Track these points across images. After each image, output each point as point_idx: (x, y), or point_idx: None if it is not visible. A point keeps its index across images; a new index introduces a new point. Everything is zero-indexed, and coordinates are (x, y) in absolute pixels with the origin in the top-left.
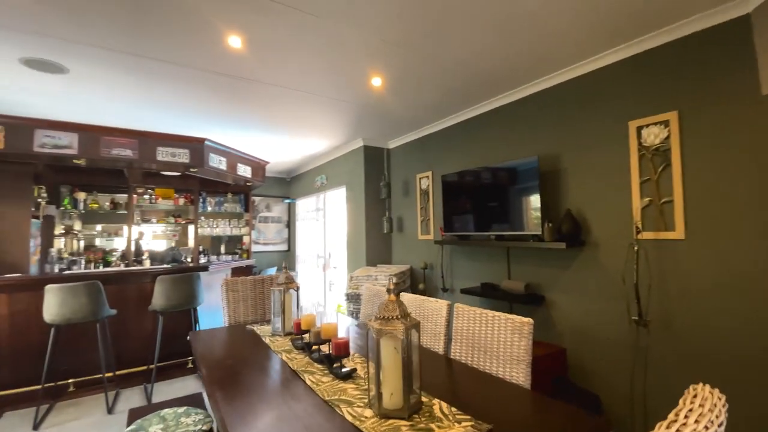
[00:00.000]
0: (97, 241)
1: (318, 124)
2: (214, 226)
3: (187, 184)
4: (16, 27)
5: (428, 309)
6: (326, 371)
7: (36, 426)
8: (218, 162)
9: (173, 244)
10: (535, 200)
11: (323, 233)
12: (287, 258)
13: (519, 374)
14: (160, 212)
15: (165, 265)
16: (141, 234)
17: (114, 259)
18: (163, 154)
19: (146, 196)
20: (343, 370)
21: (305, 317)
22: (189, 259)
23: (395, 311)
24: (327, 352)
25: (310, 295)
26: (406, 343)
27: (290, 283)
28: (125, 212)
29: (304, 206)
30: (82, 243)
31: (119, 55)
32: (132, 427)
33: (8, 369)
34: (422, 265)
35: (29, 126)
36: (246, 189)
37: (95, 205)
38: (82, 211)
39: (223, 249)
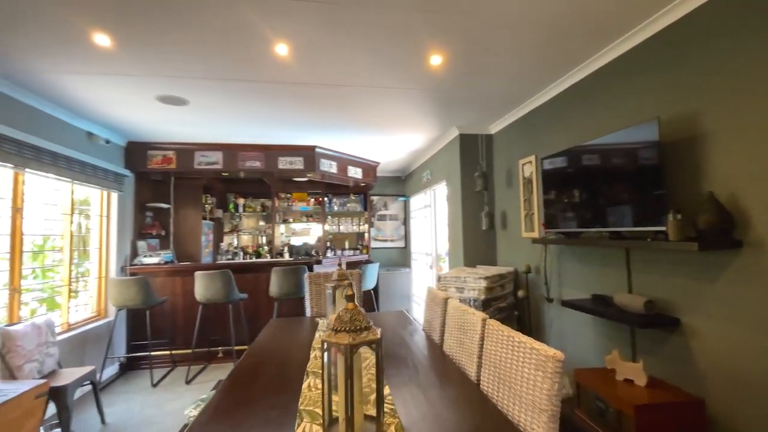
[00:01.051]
0: (284, 238)
1: (404, 118)
2: (339, 224)
3: (316, 188)
4: (152, 73)
5: (467, 322)
6: None
7: (188, 381)
8: (329, 166)
9: (309, 240)
10: (654, 181)
11: (430, 230)
12: (403, 255)
13: (539, 428)
14: (297, 213)
15: (286, 258)
16: (325, 233)
17: (264, 252)
18: (283, 162)
19: (285, 200)
20: None
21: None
22: (318, 253)
23: (346, 322)
24: None
25: (422, 293)
26: (349, 362)
27: (342, 281)
28: (269, 213)
29: (416, 203)
30: (269, 239)
31: (222, 82)
32: (204, 396)
33: (181, 334)
34: (524, 268)
35: (190, 149)
36: (364, 189)
37: (250, 209)
38: (243, 214)
39: (347, 245)
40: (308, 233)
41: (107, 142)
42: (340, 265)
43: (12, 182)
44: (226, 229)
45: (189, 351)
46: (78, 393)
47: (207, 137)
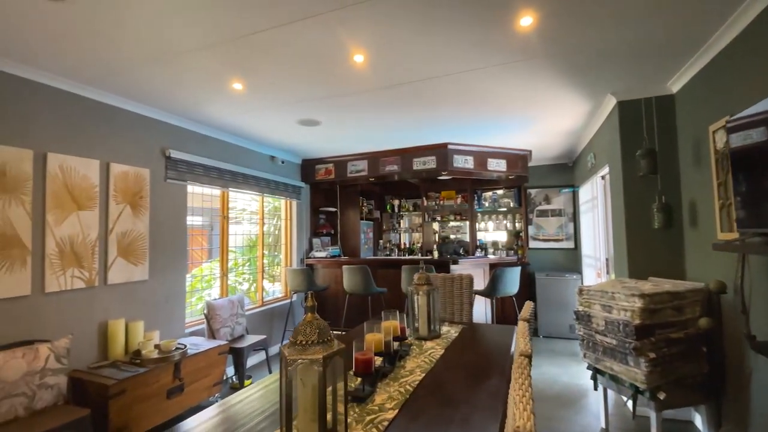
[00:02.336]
0: (452, 235)
1: (531, 94)
2: (489, 221)
3: (462, 185)
4: (292, 101)
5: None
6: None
7: None
8: (464, 162)
9: (458, 238)
10: None
11: (597, 229)
12: (573, 258)
13: None
14: (446, 211)
15: (435, 256)
16: (474, 231)
17: (416, 249)
18: (417, 163)
19: (434, 199)
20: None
21: (386, 324)
22: (466, 252)
23: (297, 336)
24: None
25: None
26: (285, 384)
27: (422, 285)
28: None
29: (584, 195)
30: (439, 236)
31: (337, 99)
32: None
33: (339, 318)
34: (715, 285)
35: (344, 161)
36: (517, 182)
37: (404, 209)
38: (401, 214)
39: (500, 244)
40: (458, 231)
41: (282, 162)
42: (422, 267)
43: (220, 198)
44: (385, 228)
45: (340, 332)
46: (262, 355)
47: (356, 149)
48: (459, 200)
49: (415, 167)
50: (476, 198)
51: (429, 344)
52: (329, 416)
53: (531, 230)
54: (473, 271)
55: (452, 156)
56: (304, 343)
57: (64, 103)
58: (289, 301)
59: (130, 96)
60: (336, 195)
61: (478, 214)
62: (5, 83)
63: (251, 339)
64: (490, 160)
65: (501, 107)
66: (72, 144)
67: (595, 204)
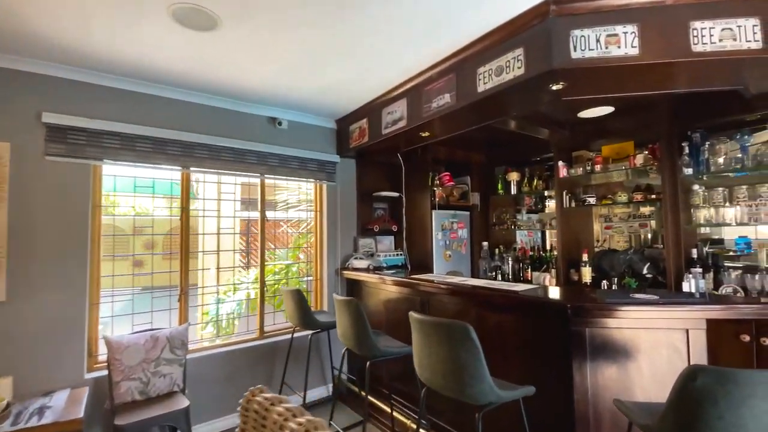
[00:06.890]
0: (635, 231)
1: None
2: (724, 204)
3: (650, 119)
4: None
5: None
6: None
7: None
8: (601, 44)
9: (638, 241)
10: None
11: None
12: None
13: None
14: (614, 185)
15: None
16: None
17: (549, 258)
18: (485, 77)
19: (581, 164)
20: None
21: None
22: (657, 277)
23: None
24: None
25: None
26: None
27: None
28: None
29: None
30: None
31: None
32: None
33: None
34: None
35: (377, 108)
36: None
37: (526, 189)
38: (518, 195)
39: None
40: (644, 226)
41: (279, 124)
42: None
43: (180, 183)
44: (495, 221)
45: None
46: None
47: (387, 83)
48: (640, 158)
49: (481, 87)
50: (690, 148)
51: None
52: None
53: None
54: (665, 336)
55: (568, 32)
56: None
57: None
58: (290, 336)
59: None
60: (401, 171)
61: (696, 189)
62: None
63: (174, 405)
64: (696, 25)
65: None
66: None
67: None
